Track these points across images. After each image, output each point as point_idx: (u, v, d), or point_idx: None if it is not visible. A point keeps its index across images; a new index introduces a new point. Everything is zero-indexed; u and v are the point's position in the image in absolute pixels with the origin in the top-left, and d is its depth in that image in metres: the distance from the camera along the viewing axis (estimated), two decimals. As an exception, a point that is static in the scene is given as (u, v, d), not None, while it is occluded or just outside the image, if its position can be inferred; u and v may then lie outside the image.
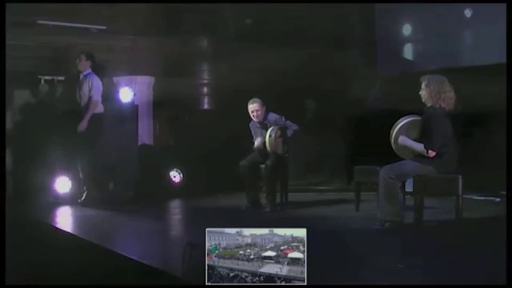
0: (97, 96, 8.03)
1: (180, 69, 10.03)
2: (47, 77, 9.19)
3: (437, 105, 5.83)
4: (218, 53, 10.19)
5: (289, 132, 7.64)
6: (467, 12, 9.25)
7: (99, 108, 8.14)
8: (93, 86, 8.03)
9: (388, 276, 4.26)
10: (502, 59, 6.09)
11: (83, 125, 7.96)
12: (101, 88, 8.16)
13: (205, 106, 10.35)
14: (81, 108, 8.09)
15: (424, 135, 5.83)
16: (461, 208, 5.87)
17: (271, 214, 7.33)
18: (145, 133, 9.67)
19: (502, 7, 6.09)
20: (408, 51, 10.51)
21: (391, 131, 6.16)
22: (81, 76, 8.16)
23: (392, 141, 6.14)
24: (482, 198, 7.92)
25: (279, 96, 8.71)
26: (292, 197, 7.92)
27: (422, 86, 5.91)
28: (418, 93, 5.97)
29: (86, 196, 8.08)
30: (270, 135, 7.42)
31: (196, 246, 3.92)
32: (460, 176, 5.85)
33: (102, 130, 8.18)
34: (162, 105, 9.81)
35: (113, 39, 9.67)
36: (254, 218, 7.02)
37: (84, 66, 8.15)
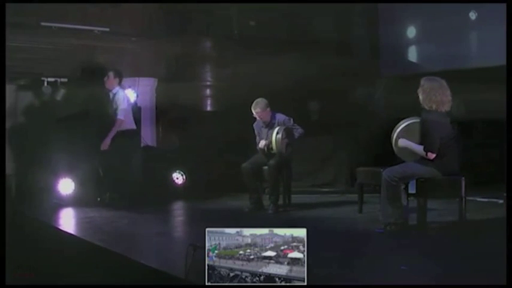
0: (121, 115, 8.02)
1: (183, 71, 10.04)
2: (50, 79, 9.20)
3: (431, 108, 5.82)
4: (221, 54, 10.19)
5: (295, 134, 7.64)
6: (472, 15, 9.25)
7: (131, 125, 8.21)
8: (120, 105, 8.04)
9: (390, 278, 4.25)
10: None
11: (105, 143, 7.98)
12: (128, 106, 8.18)
13: (208, 108, 10.35)
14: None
15: (422, 137, 5.82)
16: (464, 210, 5.86)
17: (273, 215, 7.32)
18: (148, 135, 9.67)
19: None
20: (412, 53, 10.52)
21: (392, 134, 6.15)
22: (111, 94, 8.15)
23: (393, 143, 6.13)
24: (486, 200, 7.91)
25: (282, 98, 8.71)
26: (294, 198, 7.90)
27: (419, 88, 5.91)
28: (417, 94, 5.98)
29: (107, 196, 8.12)
30: (277, 134, 7.41)
31: (199, 247, 3.92)
32: (463, 178, 5.83)
33: (136, 147, 8.33)
34: (165, 107, 9.81)
35: (116, 41, 9.68)
36: (256, 219, 7.01)
37: (113, 84, 8.15)
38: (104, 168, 8.16)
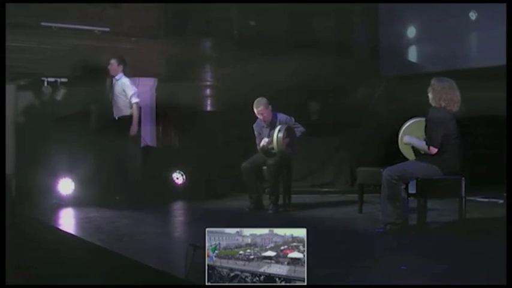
0: (135, 98, 8.14)
1: (183, 71, 10.03)
2: (50, 79, 9.20)
3: (439, 106, 5.86)
4: (221, 54, 10.18)
5: (297, 133, 7.64)
6: (472, 15, 9.25)
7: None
8: (129, 90, 8.14)
9: (390, 278, 4.26)
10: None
11: (134, 129, 8.12)
12: (136, 89, 8.27)
13: (208, 108, 10.34)
14: (113, 111, 8.23)
15: (426, 132, 5.86)
16: (464, 210, 5.86)
17: (273, 215, 7.32)
18: (148, 135, 9.66)
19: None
20: (412, 53, 10.51)
21: (399, 131, 6.19)
22: (114, 81, 8.25)
23: (399, 140, 6.17)
24: (486, 200, 7.92)
25: (283, 98, 8.71)
26: (294, 198, 7.90)
27: (429, 87, 5.96)
28: (427, 94, 6.01)
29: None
30: (279, 131, 7.41)
31: (199, 247, 3.92)
32: (463, 178, 5.84)
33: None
34: (164, 107, 9.81)
35: (116, 41, 9.68)
36: (256, 219, 7.01)
37: (117, 71, 8.24)
38: (106, 161, 8.20)
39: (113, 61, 8.23)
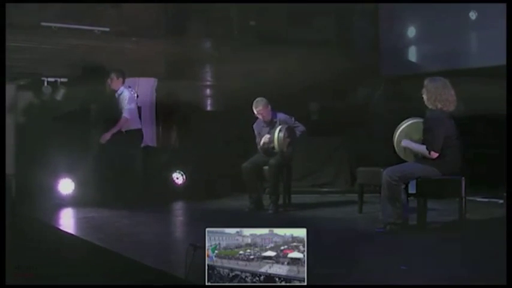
0: (126, 114, 8.11)
1: (183, 71, 10.03)
2: (50, 79, 9.20)
3: (436, 107, 5.83)
4: (221, 54, 10.18)
5: (297, 133, 7.64)
6: (472, 15, 9.25)
7: (137, 125, 8.31)
8: (126, 104, 8.13)
9: (390, 278, 4.26)
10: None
11: (105, 137, 8.07)
12: (134, 105, 8.29)
13: (208, 108, 10.34)
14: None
15: (425, 136, 5.83)
16: (464, 210, 5.86)
17: (273, 215, 7.32)
18: (148, 135, 9.65)
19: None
20: (412, 53, 10.51)
21: (394, 134, 6.16)
22: (117, 95, 8.24)
23: (395, 143, 6.14)
24: (486, 200, 7.91)
25: (283, 98, 8.71)
26: (294, 198, 7.90)
27: (423, 88, 5.93)
28: (421, 95, 5.99)
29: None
30: (280, 131, 7.41)
31: (199, 247, 3.92)
32: (463, 178, 5.84)
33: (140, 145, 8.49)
34: (165, 107, 9.81)
35: (116, 41, 9.68)
36: (256, 219, 7.01)
37: (117, 85, 8.23)
38: (108, 169, 8.20)
39: (113, 75, 8.21)
